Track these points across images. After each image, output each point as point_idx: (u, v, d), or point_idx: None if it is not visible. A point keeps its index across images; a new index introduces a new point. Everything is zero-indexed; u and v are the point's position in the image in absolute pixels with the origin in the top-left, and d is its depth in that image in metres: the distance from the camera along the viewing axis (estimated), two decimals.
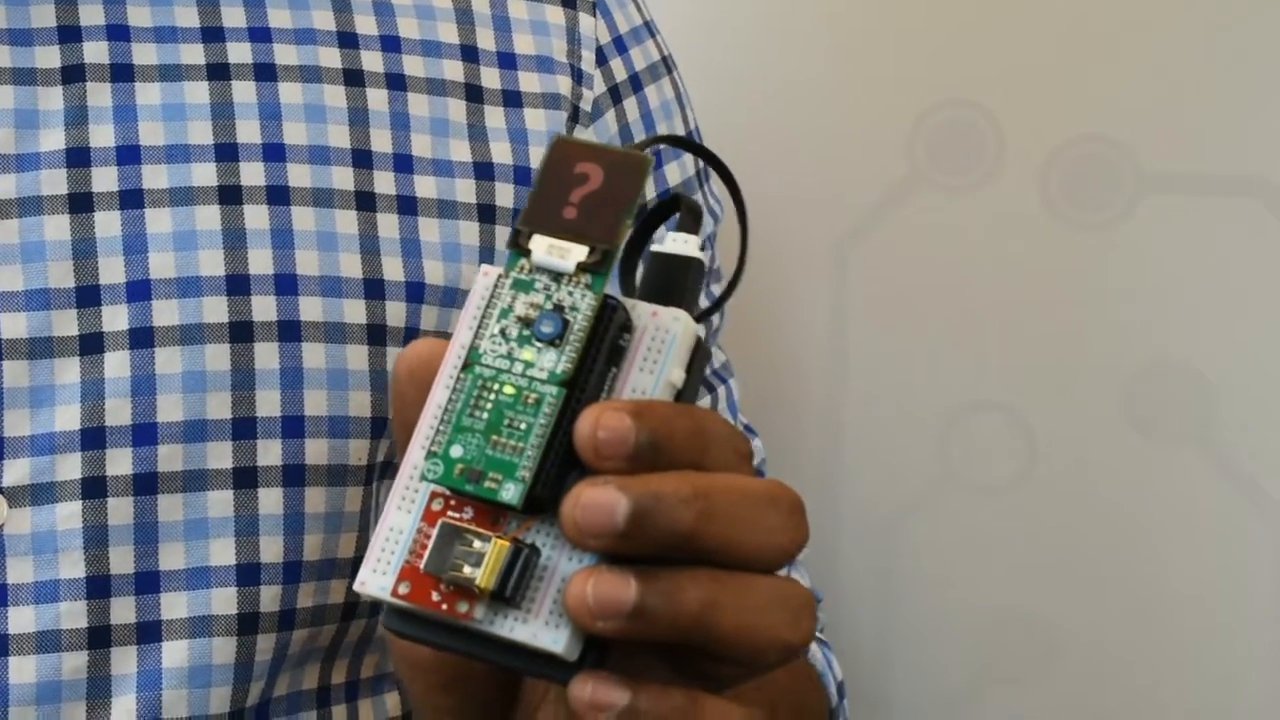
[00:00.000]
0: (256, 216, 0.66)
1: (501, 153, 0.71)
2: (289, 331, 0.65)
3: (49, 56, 0.66)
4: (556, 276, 0.45)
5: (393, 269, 0.68)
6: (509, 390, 0.44)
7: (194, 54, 0.67)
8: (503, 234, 0.70)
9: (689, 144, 0.49)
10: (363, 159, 0.68)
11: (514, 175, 0.71)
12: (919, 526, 0.91)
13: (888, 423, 0.92)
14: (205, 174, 0.66)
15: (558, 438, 0.44)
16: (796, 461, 0.93)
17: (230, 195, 0.66)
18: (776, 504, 0.45)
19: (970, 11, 0.87)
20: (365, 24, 0.70)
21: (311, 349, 0.66)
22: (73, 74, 0.65)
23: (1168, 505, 0.84)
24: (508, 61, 0.72)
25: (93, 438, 0.63)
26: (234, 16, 0.68)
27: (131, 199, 0.65)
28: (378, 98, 0.69)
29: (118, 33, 0.66)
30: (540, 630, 0.44)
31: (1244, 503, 0.81)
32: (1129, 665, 0.85)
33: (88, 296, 0.64)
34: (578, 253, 0.45)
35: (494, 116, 0.71)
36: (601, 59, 0.74)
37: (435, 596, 0.44)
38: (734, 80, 0.95)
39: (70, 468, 0.63)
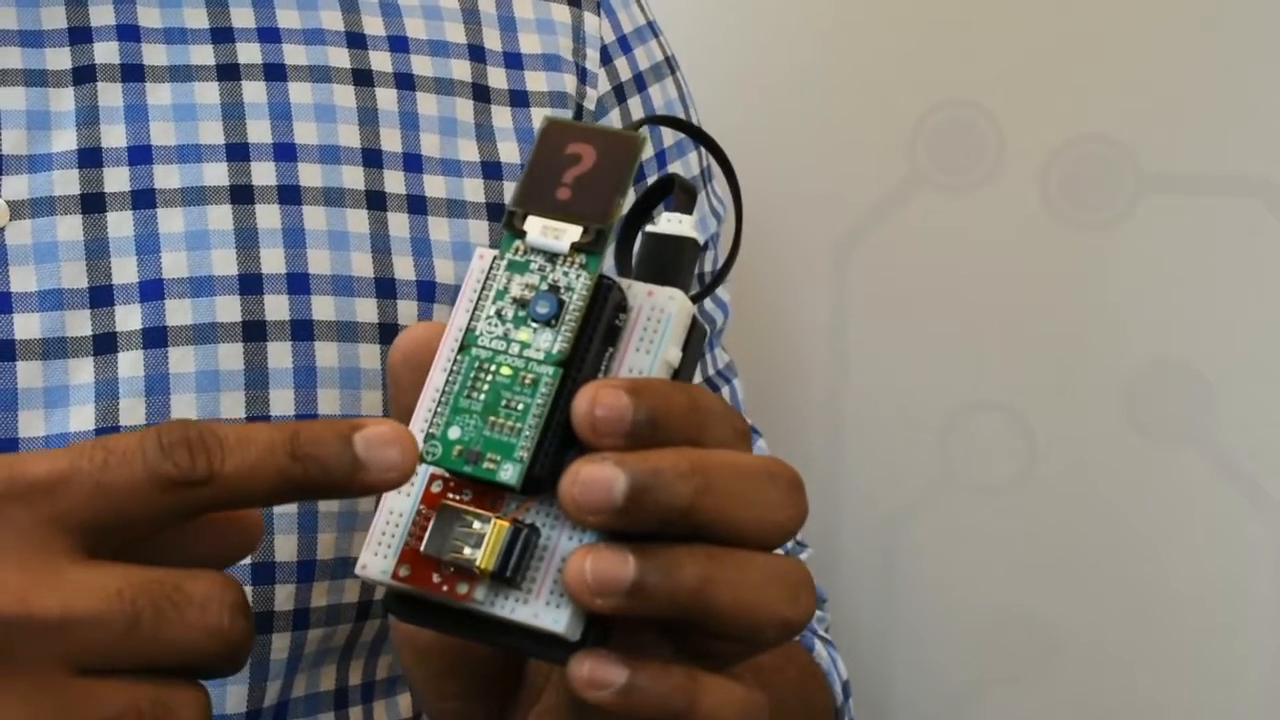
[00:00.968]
0: (268, 216, 0.66)
1: (509, 152, 0.71)
2: (301, 331, 0.66)
3: (60, 58, 0.66)
4: (551, 257, 0.45)
5: (404, 268, 0.68)
6: (506, 371, 0.45)
7: (204, 54, 0.67)
8: None
9: (678, 122, 0.49)
10: (373, 158, 0.68)
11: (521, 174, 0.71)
12: (919, 526, 0.91)
13: (888, 423, 0.92)
14: (217, 174, 0.66)
15: (555, 418, 0.44)
16: (797, 461, 0.91)
17: (242, 195, 0.66)
18: (775, 480, 0.45)
19: (970, 11, 0.88)
20: (373, 24, 0.70)
21: (324, 348, 0.66)
22: (84, 75, 0.66)
23: (1168, 505, 0.84)
24: (514, 61, 0.73)
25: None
26: (243, 17, 0.68)
27: (144, 199, 0.65)
28: (387, 97, 0.69)
29: (128, 33, 0.67)
30: (541, 610, 0.44)
31: (1244, 503, 0.81)
32: (1129, 665, 0.85)
33: (101, 297, 0.64)
34: (572, 233, 0.45)
35: (501, 116, 0.71)
36: (606, 58, 0.75)
37: (436, 578, 0.45)
38: (734, 80, 0.95)
39: None
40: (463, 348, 0.45)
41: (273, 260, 0.66)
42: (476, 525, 0.44)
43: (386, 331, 0.67)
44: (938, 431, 0.90)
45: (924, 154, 0.89)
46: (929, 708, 0.92)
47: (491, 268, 0.46)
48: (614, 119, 0.74)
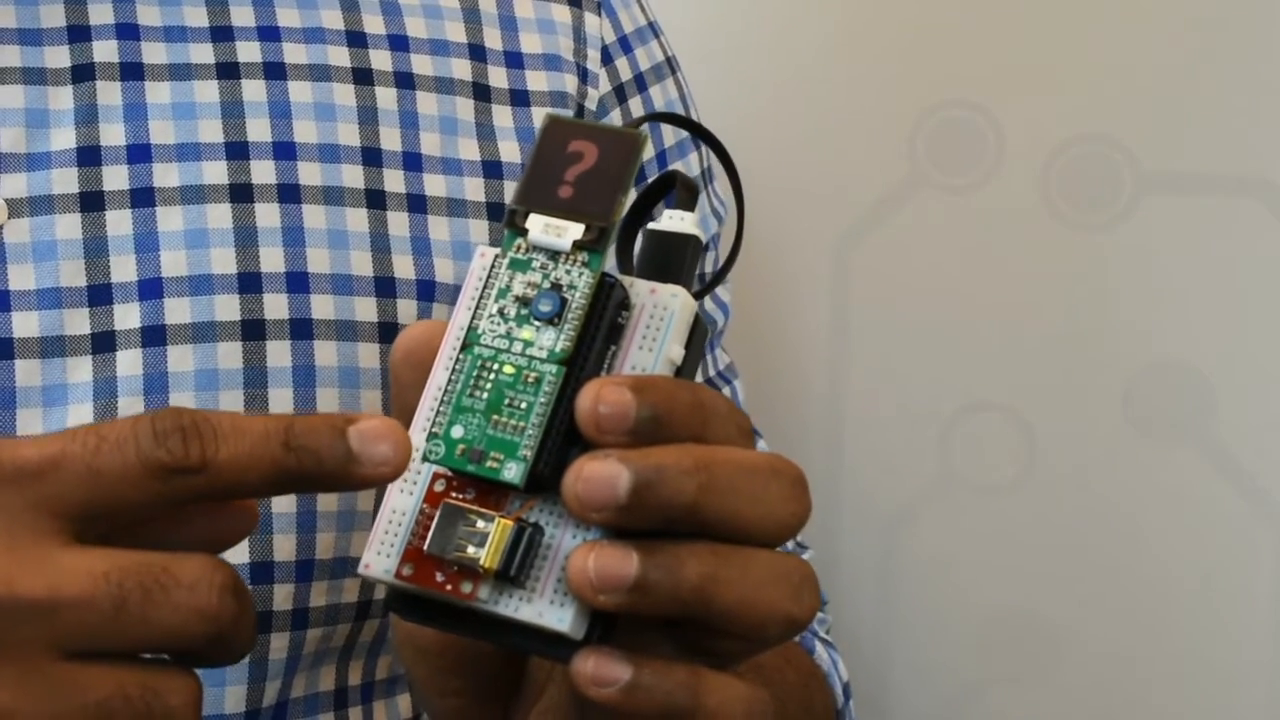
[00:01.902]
0: (268, 215, 0.66)
1: (509, 151, 0.71)
2: (301, 329, 0.65)
3: (59, 56, 0.66)
4: (554, 255, 0.45)
5: (403, 267, 0.68)
6: (509, 370, 0.44)
7: (203, 53, 0.67)
8: None
9: (680, 119, 0.49)
10: (372, 157, 0.68)
11: (521, 173, 0.71)
12: (919, 526, 0.91)
13: (888, 423, 0.92)
14: (216, 172, 0.66)
15: (558, 416, 0.44)
16: (797, 461, 0.92)
17: (241, 194, 0.66)
18: (778, 476, 0.45)
19: (970, 11, 0.88)
20: (374, 23, 0.70)
21: (323, 347, 0.66)
22: (83, 73, 0.66)
23: (1168, 505, 0.84)
24: (515, 61, 0.72)
25: None
26: (243, 16, 0.68)
27: (143, 197, 0.65)
28: (387, 96, 0.69)
29: (127, 32, 0.67)
30: (545, 609, 0.44)
31: (1244, 503, 0.81)
32: (1129, 665, 0.85)
33: (100, 295, 0.64)
34: (574, 231, 0.45)
35: (502, 116, 0.71)
36: (607, 58, 0.75)
37: (439, 577, 0.44)
38: (734, 80, 0.95)
39: None
40: (465, 346, 0.45)
41: (272, 259, 0.65)
42: (480, 524, 0.44)
43: (386, 331, 0.67)
44: (938, 431, 0.90)
45: (924, 154, 0.89)
46: (929, 708, 0.92)
47: (493, 266, 0.46)
48: (615, 119, 0.74)
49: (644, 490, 0.42)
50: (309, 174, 0.67)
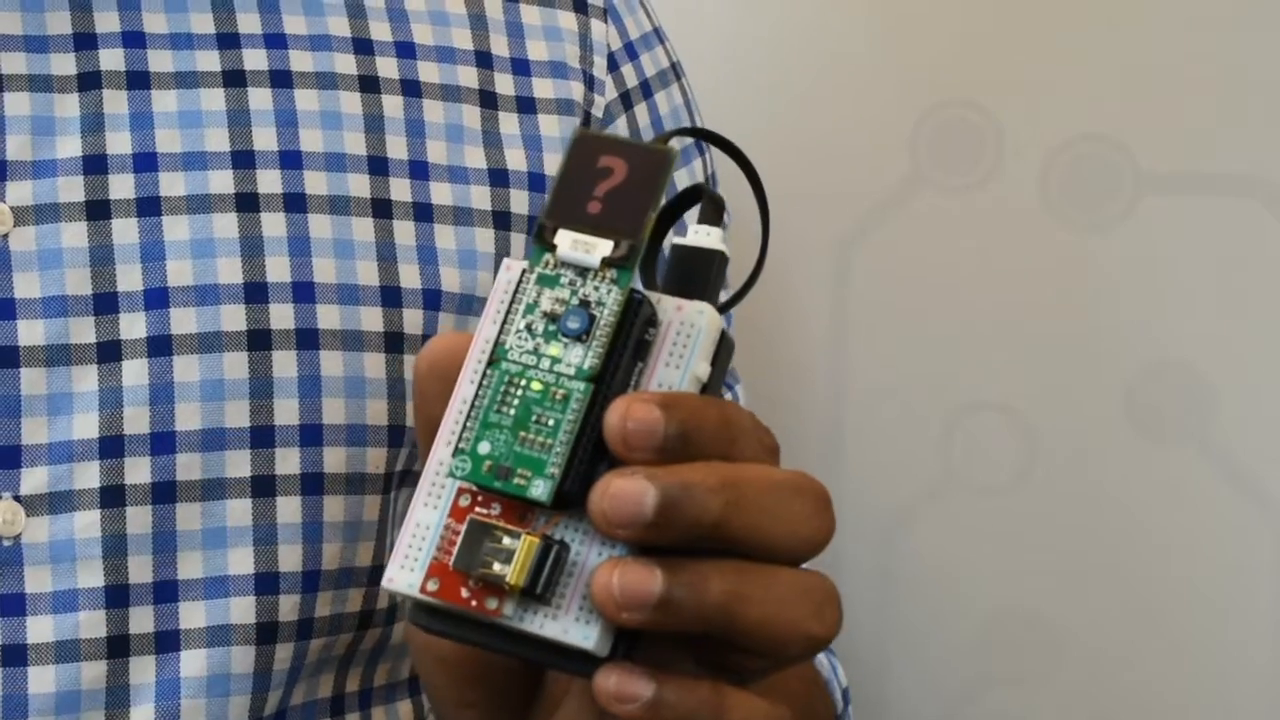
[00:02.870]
0: (274, 224, 0.66)
1: (516, 159, 0.71)
2: (307, 339, 0.65)
3: (65, 64, 0.65)
4: (582, 271, 0.45)
5: (409, 276, 0.67)
6: (536, 386, 0.44)
7: (210, 61, 0.67)
8: (518, 240, 0.70)
9: (710, 135, 0.49)
10: (379, 166, 0.68)
11: (529, 182, 0.71)
12: (919, 526, 0.91)
13: (888, 423, 0.92)
14: (222, 181, 0.65)
15: (585, 433, 0.44)
16: (797, 461, 0.92)
17: (247, 203, 0.66)
18: (803, 495, 0.45)
19: (970, 11, 0.88)
20: (380, 30, 0.70)
21: (329, 357, 0.65)
22: (89, 81, 0.65)
23: (1168, 505, 0.84)
24: (521, 68, 0.72)
25: (111, 446, 0.63)
26: (249, 23, 0.68)
27: (149, 206, 0.65)
28: (393, 104, 0.69)
29: (133, 40, 0.66)
30: (571, 626, 0.43)
31: (1244, 503, 0.81)
32: (1129, 665, 0.86)
33: (105, 304, 0.64)
34: (603, 247, 0.45)
35: (508, 123, 0.71)
36: (613, 65, 0.74)
37: (464, 593, 0.44)
38: (734, 80, 0.95)
39: (88, 476, 0.63)
40: (492, 361, 0.45)
41: (278, 268, 0.65)
42: (506, 541, 0.44)
43: (392, 340, 0.67)
44: (938, 431, 0.90)
45: (924, 154, 0.89)
46: (929, 708, 0.92)
47: (521, 280, 0.45)
48: (620, 126, 0.74)
49: (670, 508, 0.42)
50: (315, 183, 0.67)
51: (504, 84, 0.72)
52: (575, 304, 0.45)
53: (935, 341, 0.90)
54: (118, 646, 0.63)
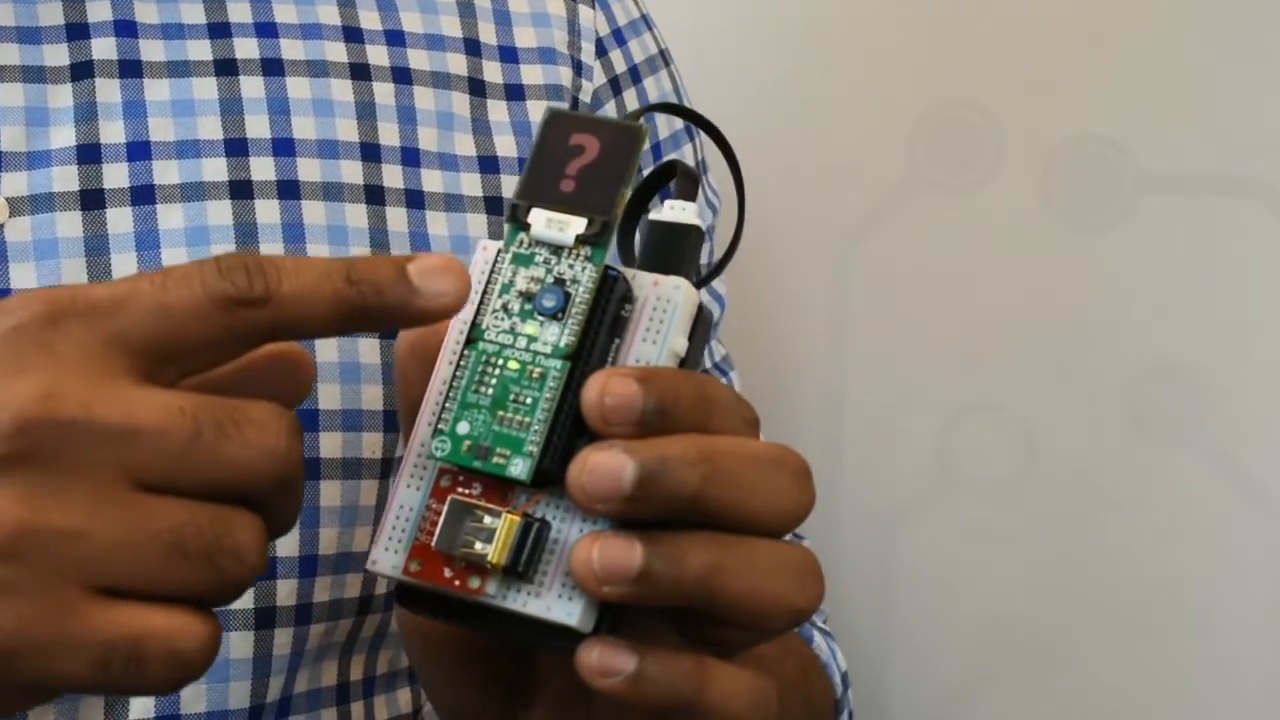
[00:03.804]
0: (268, 211, 0.66)
1: (505, 146, 0.71)
2: None
3: (57, 54, 0.66)
4: (556, 249, 0.45)
5: None
6: (513, 365, 0.44)
7: (201, 50, 0.67)
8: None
9: (679, 108, 0.49)
10: (371, 153, 0.68)
11: (518, 168, 0.71)
12: (919, 526, 0.91)
13: (887, 423, 0.92)
14: (216, 169, 0.66)
15: (564, 411, 0.44)
16: None
17: (241, 190, 0.66)
18: (782, 467, 0.45)
19: (970, 11, 0.88)
20: (370, 19, 0.70)
21: (325, 343, 0.66)
22: (81, 71, 0.66)
23: (1167, 505, 0.84)
24: (509, 55, 0.73)
25: None
26: (240, 12, 0.68)
27: (143, 195, 0.65)
28: (384, 91, 0.69)
29: (125, 29, 0.67)
30: (554, 604, 0.44)
31: (1244, 503, 0.81)
32: (1129, 665, 0.85)
33: None
34: (576, 225, 0.45)
35: (497, 110, 0.72)
36: (601, 51, 0.75)
37: (447, 573, 0.44)
38: (732, 80, 0.95)
39: None
40: (469, 342, 0.45)
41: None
42: (487, 520, 0.44)
43: None
44: (938, 431, 0.90)
45: (924, 154, 0.89)
46: (928, 708, 0.92)
47: (496, 260, 0.46)
48: (609, 112, 0.75)
49: (649, 481, 0.42)
50: (308, 170, 0.67)
51: (492, 71, 0.72)
52: (550, 282, 0.45)
53: (935, 341, 0.90)
54: None
